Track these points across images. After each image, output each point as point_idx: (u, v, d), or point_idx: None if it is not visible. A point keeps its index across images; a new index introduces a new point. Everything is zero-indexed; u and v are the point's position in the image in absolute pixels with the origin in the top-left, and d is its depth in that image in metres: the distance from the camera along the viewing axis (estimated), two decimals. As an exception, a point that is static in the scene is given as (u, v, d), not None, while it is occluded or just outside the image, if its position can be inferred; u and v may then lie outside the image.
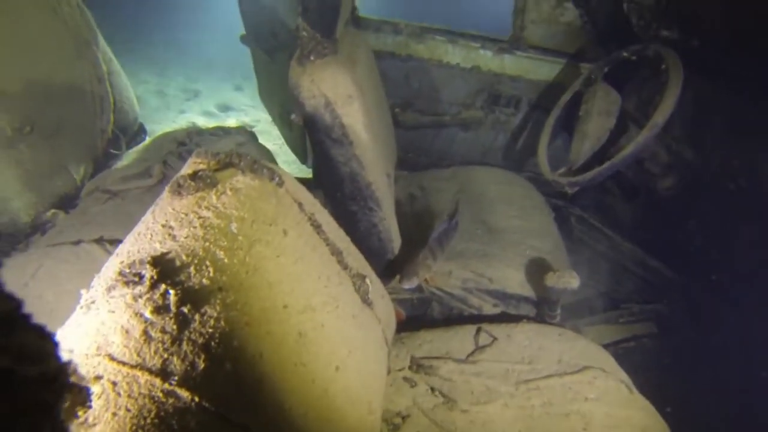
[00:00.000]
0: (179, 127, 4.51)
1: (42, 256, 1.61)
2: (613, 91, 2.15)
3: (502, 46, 2.60)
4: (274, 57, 2.66)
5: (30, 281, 1.51)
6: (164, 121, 4.83)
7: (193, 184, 0.90)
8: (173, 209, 0.85)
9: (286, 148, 3.32)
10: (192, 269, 0.76)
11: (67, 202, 2.00)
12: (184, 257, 0.77)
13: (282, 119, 2.97)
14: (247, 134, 2.46)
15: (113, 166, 2.21)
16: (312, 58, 1.60)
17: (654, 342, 2.09)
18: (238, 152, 1.07)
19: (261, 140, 2.70)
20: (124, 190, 2.00)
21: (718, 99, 1.85)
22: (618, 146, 2.01)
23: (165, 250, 0.76)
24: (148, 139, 2.51)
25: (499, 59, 2.62)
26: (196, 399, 0.64)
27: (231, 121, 5.02)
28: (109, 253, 1.65)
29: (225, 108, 5.25)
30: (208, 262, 0.80)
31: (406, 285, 1.67)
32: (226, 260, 0.83)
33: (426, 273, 1.71)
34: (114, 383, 0.63)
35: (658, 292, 2.18)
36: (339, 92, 1.56)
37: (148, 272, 0.70)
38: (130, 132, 2.59)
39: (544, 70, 2.62)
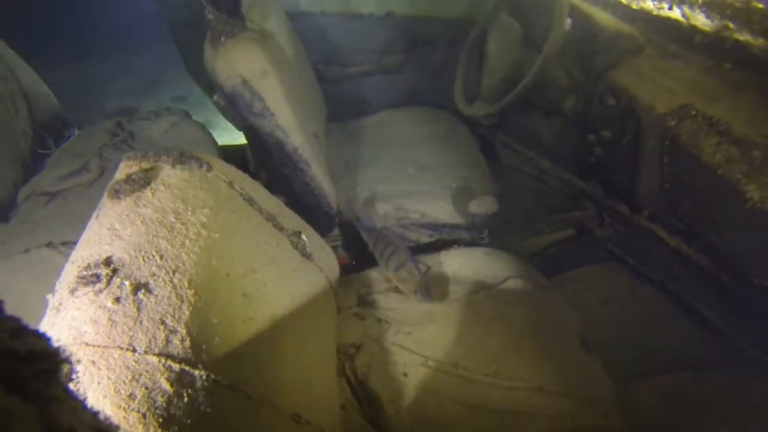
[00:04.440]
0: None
1: (-8, 272, 1.60)
2: (514, 24, 2.30)
3: (409, -11, 2.69)
4: (191, 27, 2.68)
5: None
6: (93, 106, 4.71)
7: (128, 186, 1.04)
8: (114, 212, 1.00)
9: (221, 117, 3.38)
10: (140, 260, 0.92)
11: (2, 211, 2.01)
12: (132, 252, 0.93)
13: (210, 88, 3.02)
14: (179, 113, 2.51)
15: (45, 167, 2.21)
16: (223, 39, 1.69)
17: (572, 244, 2.38)
18: (165, 149, 1.20)
19: (196, 112, 2.76)
20: (64, 190, 2.03)
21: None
22: (522, 75, 2.19)
23: (114, 250, 0.92)
24: (77, 133, 2.51)
25: (411, 3, 2.71)
26: (162, 361, 0.83)
27: (163, 97, 4.93)
28: (62, 255, 1.75)
29: (155, 83, 5.15)
30: (153, 252, 0.96)
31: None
32: (168, 247, 0.99)
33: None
34: (93, 362, 0.80)
35: (574, 201, 2.45)
36: (254, 69, 1.68)
37: (103, 271, 0.86)
38: (55, 128, 2.54)
39: (455, 7, 2.74)
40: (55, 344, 0.39)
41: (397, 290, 1.75)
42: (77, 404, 0.40)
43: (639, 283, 2.21)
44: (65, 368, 0.40)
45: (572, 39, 2.04)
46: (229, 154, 2.36)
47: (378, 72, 2.90)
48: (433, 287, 1.70)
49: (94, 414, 0.45)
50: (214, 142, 2.44)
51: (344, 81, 2.90)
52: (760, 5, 1.10)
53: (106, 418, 0.50)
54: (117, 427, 0.49)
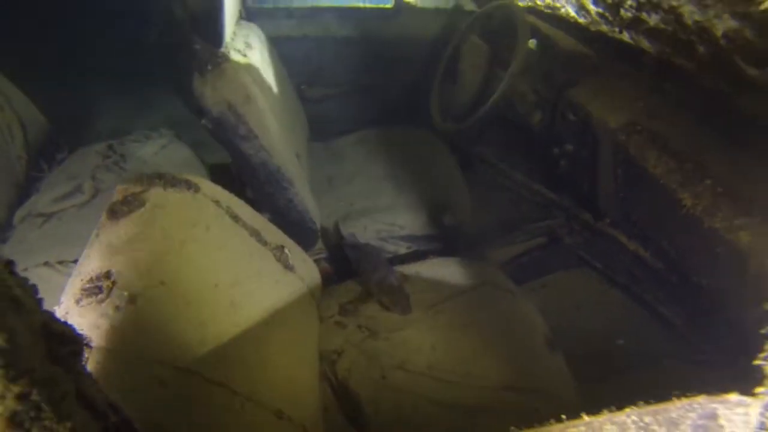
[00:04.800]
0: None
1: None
2: (483, 45, 2.46)
3: (387, 14, 2.85)
4: (179, 52, 2.80)
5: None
6: (84, 127, 4.76)
7: (124, 208, 1.16)
8: (113, 231, 1.11)
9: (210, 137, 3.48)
10: (136, 273, 1.04)
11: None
12: (129, 266, 1.04)
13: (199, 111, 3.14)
14: (169, 135, 2.62)
15: (40, 189, 2.29)
16: (209, 68, 1.82)
17: (544, 252, 2.52)
18: (157, 173, 1.32)
19: (186, 132, 2.86)
20: (59, 211, 2.13)
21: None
22: (492, 93, 2.34)
23: (113, 264, 1.03)
24: (71, 156, 2.58)
25: (386, 26, 2.87)
26: (157, 361, 0.94)
27: (154, 118, 5.00)
28: (59, 273, 1.85)
29: (145, 104, 5.23)
30: (148, 266, 1.08)
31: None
32: (162, 261, 1.11)
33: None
34: (97, 362, 0.92)
35: (545, 210, 2.59)
36: (238, 95, 1.80)
37: (104, 283, 0.98)
38: (48, 151, 2.61)
39: (428, 30, 2.90)
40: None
41: (377, 301, 1.87)
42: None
43: (608, 288, 2.34)
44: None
45: (536, 58, 2.19)
46: (218, 172, 2.48)
47: (358, 92, 3.04)
48: (410, 301, 1.82)
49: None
50: (203, 163, 2.56)
51: (326, 101, 3.04)
52: (693, 38, 1.25)
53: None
54: (122, 408, 0.60)
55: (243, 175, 2.11)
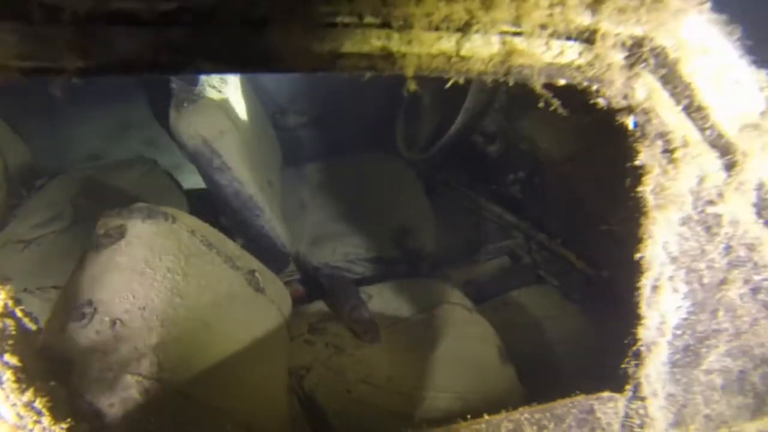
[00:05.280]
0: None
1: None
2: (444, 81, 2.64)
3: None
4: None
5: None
6: (62, 151, 4.83)
7: (105, 240, 1.29)
8: (95, 262, 1.24)
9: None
10: (116, 300, 1.16)
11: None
12: (110, 293, 1.17)
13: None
14: (149, 163, 2.72)
15: (19, 216, 2.35)
16: (186, 105, 1.96)
17: (506, 271, 2.68)
18: (137, 206, 1.45)
19: (165, 155, 2.96)
20: (38, 237, 2.21)
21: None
22: (451, 124, 2.52)
23: (95, 292, 1.16)
24: (50, 182, 2.65)
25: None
26: (135, 378, 1.07)
27: (132, 142, 5.07)
28: (39, 299, 1.94)
29: (124, 128, 5.31)
30: (128, 293, 1.20)
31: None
32: (139, 288, 1.23)
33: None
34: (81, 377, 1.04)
35: (506, 232, 2.77)
36: (212, 130, 1.94)
37: (87, 310, 1.10)
38: (27, 178, 2.68)
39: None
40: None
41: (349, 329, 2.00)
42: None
43: (567, 302, 2.51)
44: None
45: (491, 93, 2.38)
46: (195, 198, 2.60)
47: (329, 120, 3.20)
48: (379, 330, 1.93)
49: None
50: (181, 189, 2.66)
51: (299, 129, 3.20)
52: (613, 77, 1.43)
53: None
54: (105, 414, 0.73)
55: (218, 203, 2.24)
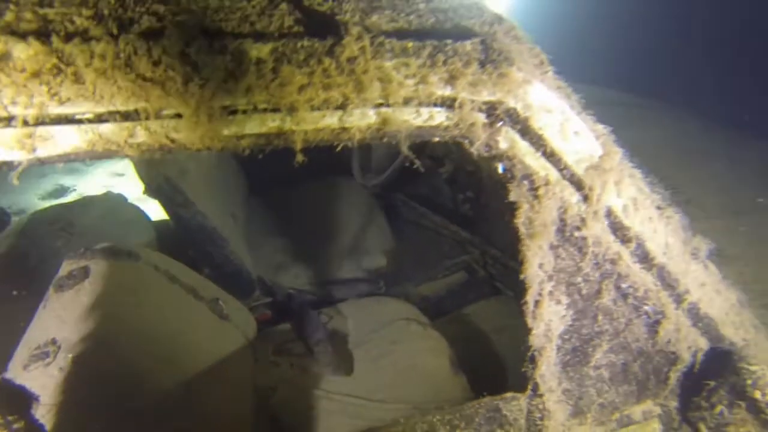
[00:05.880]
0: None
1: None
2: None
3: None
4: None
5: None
6: (27, 187, 4.88)
7: (69, 281, 1.39)
8: (59, 303, 1.34)
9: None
10: (80, 338, 1.27)
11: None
12: (73, 332, 1.27)
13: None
14: (116, 198, 2.80)
15: None
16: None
17: (464, 285, 2.83)
18: (101, 247, 1.55)
19: (133, 186, 3.02)
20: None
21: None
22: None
23: (59, 332, 1.26)
24: (16, 222, 2.71)
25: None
26: (99, 408, 1.17)
27: (99, 175, 5.16)
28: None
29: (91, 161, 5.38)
30: (92, 330, 1.31)
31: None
32: (103, 325, 1.34)
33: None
34: (43, 416, 1.14)
35: (462, 247, 2.92)
36: (173, 169, 2.06)
37: (51, 349, 1.20)
38: None
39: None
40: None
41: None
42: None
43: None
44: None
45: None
46: (162, 229, 2.69)
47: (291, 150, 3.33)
48: (340, 363, 2.02)
49: None
50: (149, 222, 2.75)
51: (262, 158, 3.31)
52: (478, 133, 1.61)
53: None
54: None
55: (183, 236, 2.34)
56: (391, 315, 2.18)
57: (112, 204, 2.78)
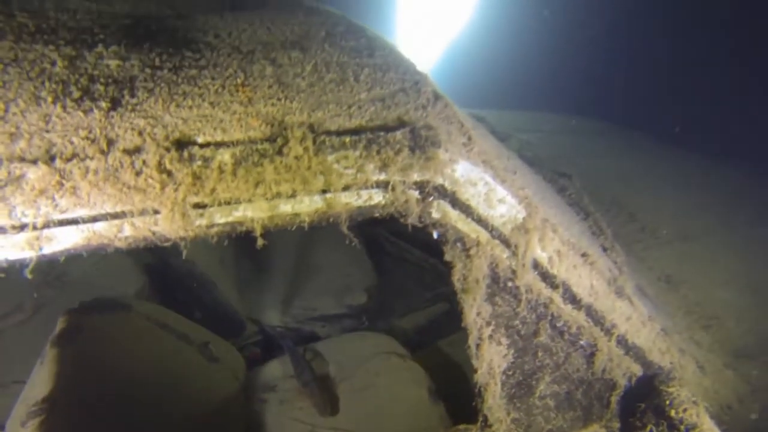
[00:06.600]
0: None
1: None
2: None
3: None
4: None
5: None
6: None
7: (64, 338, 1.53)
8: (55, 359, 1.48)
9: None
10: (75, 393, 1.40)
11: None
12: (69, 388, 1.40)
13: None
14: (106, 246, 2.95)
15: None
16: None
17: (444, 317, 2.97)
18: (94, 301, 1.70)
19: None
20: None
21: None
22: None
23: (56, 389, 1.39)
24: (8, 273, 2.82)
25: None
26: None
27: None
28: (1, 395, 2.10)
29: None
30: (86, 385, 1.45)
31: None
32: (97, 379, 1.48)
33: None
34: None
35: (442, 279, 3.07)
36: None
37: (47, 406, 1.33)
38: None
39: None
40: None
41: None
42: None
43: None
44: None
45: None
46: (154, 273, 2.82)
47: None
48: (328, 404, 2.10)
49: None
50: (140, 268, 2.88)
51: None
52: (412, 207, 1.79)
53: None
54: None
55: (173, 280, 2.49)
56: (372, 349, 2.31)
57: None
